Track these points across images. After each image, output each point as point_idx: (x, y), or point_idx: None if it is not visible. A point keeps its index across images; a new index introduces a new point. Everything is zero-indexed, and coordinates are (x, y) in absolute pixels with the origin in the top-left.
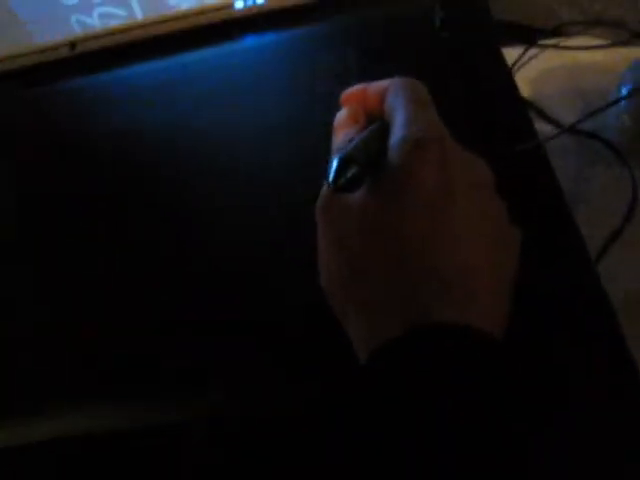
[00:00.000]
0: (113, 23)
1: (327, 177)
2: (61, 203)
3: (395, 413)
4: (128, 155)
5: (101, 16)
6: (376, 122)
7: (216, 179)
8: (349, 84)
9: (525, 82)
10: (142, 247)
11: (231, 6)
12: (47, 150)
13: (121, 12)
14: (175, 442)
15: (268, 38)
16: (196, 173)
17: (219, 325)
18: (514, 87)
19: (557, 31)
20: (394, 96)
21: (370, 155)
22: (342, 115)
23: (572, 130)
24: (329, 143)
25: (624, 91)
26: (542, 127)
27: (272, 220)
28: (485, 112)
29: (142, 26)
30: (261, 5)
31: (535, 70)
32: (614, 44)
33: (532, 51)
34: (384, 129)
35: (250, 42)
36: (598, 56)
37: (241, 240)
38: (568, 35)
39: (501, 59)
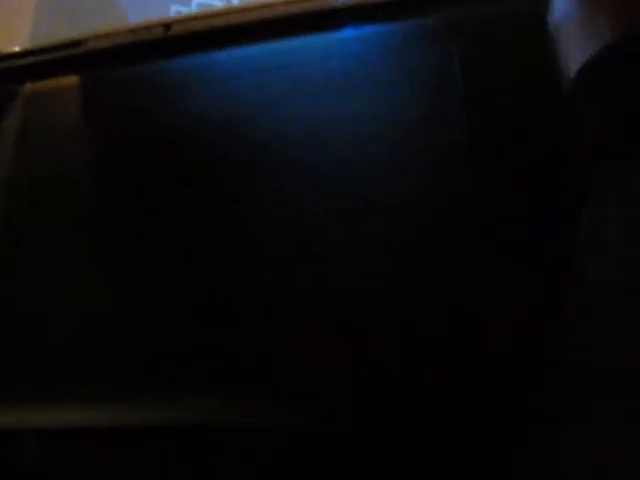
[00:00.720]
0: None
1: None
2: (140, 182)
3: None
4: (214, 139)
5: (199, 6)
6: None
7: (298, 169)
8: (450, 82)
9: None
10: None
11: None
12: (130, 129)
13: (219, 3)
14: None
15: (367, 30)
16: (276, 162)
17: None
18: None
19: None
20: None
21: None
22: None
23: None
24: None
25: None
26: None
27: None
28: None
29: (238, 11)
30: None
31: None
32: None
33: None
34: None
35: (349, 34)
36: None
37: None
38: None
39: None
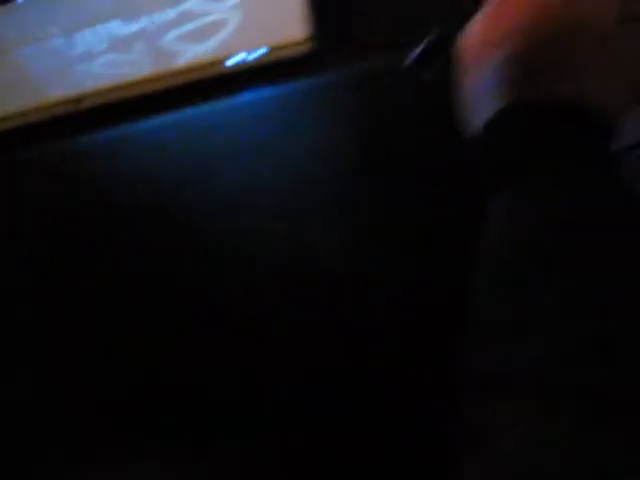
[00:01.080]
0: (116, 71)
1: None
2: (65, 260)
3: None
4: (123, 217)
5: (104, 65)
6: None
7: (209, 242)
8: (347, 136)
9: None
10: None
11: (223, 63)
12: (49, 209)
13: (124, 57)
14: None
15: (262, 93)
16: (186, 234)
17: None
18: None
19: None
20: None
21: None
22: None
23: None
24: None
25: None
26: None
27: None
28: None
29: (141, 83)
30: (251, 62)
31: None
32: None
33: None
34: None
35: (245, 98)
36: None
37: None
38: None
39: None
